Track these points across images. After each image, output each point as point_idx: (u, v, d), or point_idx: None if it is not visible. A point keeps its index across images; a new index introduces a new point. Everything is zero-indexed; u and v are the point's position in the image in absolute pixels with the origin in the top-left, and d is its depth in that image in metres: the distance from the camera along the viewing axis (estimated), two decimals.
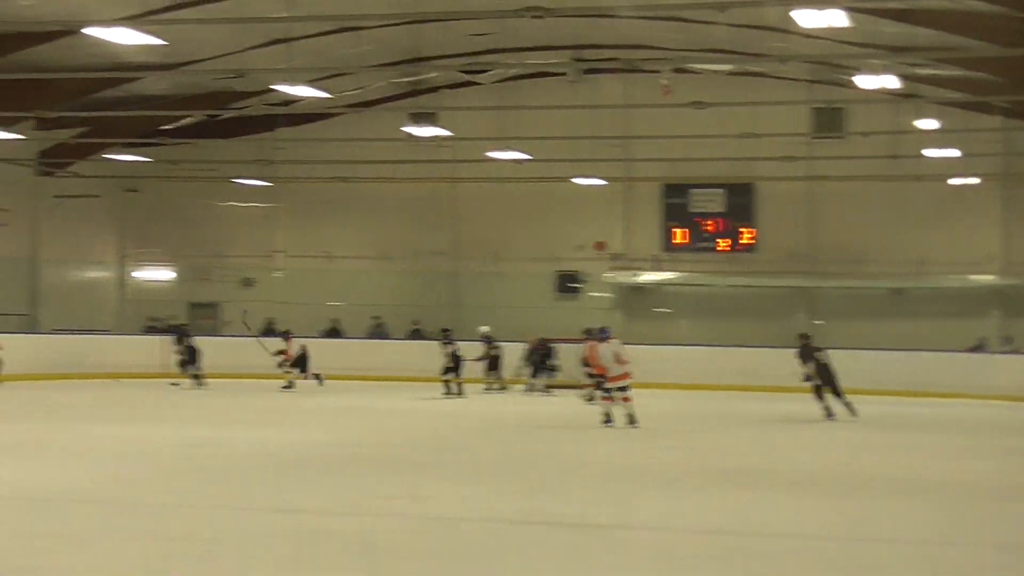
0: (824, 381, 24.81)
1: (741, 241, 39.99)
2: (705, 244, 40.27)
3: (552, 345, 32.81)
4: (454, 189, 41.41)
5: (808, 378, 25.05)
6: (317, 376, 31.90)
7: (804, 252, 39.43)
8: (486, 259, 41.59)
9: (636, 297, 41.04)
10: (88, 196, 41.02)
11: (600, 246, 41.04)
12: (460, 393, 29.49)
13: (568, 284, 41.31)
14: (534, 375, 32.28)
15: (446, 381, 29.80)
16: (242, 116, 38.33)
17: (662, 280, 40.50)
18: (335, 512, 12.35)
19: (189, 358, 32.39)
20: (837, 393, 24.83)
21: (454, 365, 29.94)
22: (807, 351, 25.14)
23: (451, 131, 35.23)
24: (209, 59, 33.43)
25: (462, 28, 32.70)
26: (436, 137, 34.92)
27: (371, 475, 15.11)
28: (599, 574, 9.68)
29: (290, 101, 35.41)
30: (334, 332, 40.36)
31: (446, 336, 30.49)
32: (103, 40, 23.62)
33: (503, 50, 34.86)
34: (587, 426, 22.68)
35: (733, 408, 28.16)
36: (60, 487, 13.68)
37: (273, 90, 32.10)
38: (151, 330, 39.85)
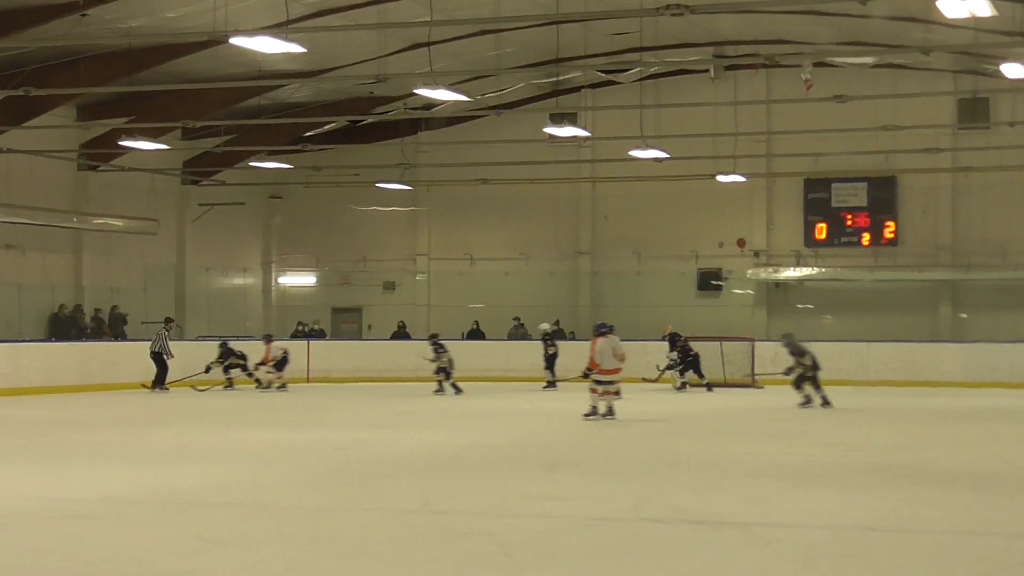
0: (810, 373, 26.27)
1: (884, 235, 39.46)
2: (847, 239, 39.83)
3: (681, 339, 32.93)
4: (595, 189, 41.40)
5: (790, 371, 26.61)
6: (283, 385, 32.34)
7: (947, 245, 38.88)
8: (627, 258, 41.51)
9: (778, 294, 40.69)
10: (233, 204, 41.60)
11: (742, 243, 40.78)
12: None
13: (710, 282, 41.07)
14: (682, 372, 32.17)
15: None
16: (384, 121, 38.60)
17: (804, 276, 40.10)
18: (477, 513, 12.37)
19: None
20: (817, 385, 26.15)
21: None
22: (798, 347, 26.62)
23: (592, 131, 35.21)
24: (350, 65, 33.74)
25: (603, 28, 32.69)
26: (577, 137, 34.89)
27: (513, 475, 15.11)
28: (741, 572, 9.61)
29: (431, 105, 35.62)
30: (476, 334, 40.50)
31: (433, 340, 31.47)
32: (247, 49, 23.95)
33: (643, 48, 34.72)
34: (726, 423, 22.55)
35: (877, 403, 27.82)
36: (206, 491, 13.85)
37: (414, 94, 32.32)
38: (298, 335, 40.31)
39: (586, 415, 22.88)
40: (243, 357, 32.51)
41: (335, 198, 42.10)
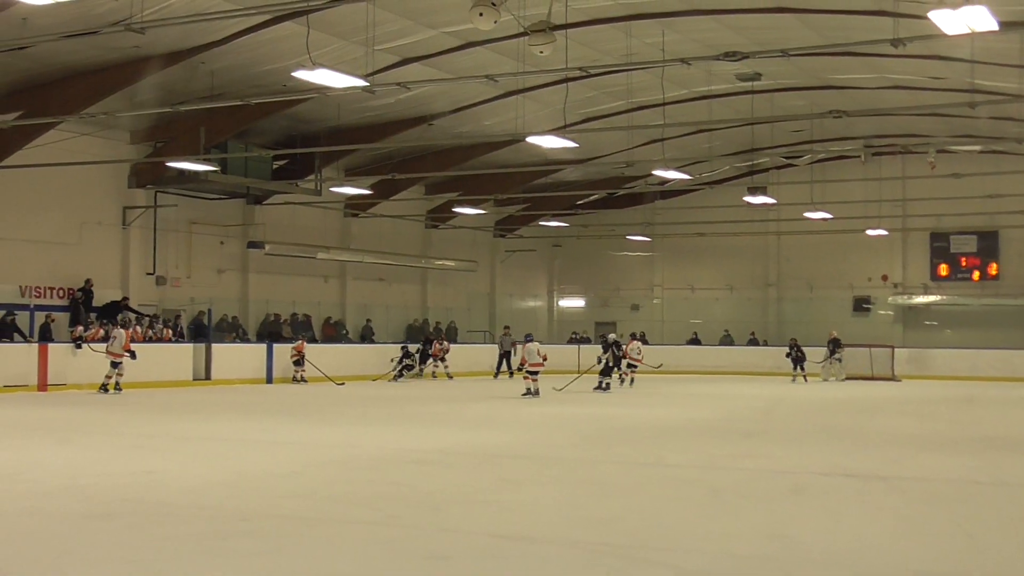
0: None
1: (989, 272, 37.90)
2: (962, 275, 38.32)
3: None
4: (779, 239, 40.62)
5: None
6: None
7: None
8: (802, 288, 40.63)
9: (912, 314, 39.25)
10: (528, 251, 42.05)
11: (885, 278, 39.51)
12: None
13: (862, 305, 39.89)
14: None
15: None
16: (631, 192, 38.59)
17: (931, 301, 38.65)
18: (694, 466, 12.23)
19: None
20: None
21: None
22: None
23: (777, 199, 34.56)
24: (608, 154, 33.84)
25: (785, 127, 32.13)
26: (766, 203, 34.30)
27: (722, 440, 14.91)
28: (883, 511, 9.29)
29: (664, 181, 35.50)
30: (695, 341, 40.07)
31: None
32: (537, 145, 24.23)
33: (814, 141, 33.99)
34: (873, 405, 21.84)
35: (986, 393, 26.57)
36: (506, 446, 13.97)
37: (652, 174, 32.19)
38: (572, 340, 40.46)
39: (523, 394, 23.36)
40: (411, 356, 31.04)
41: (598, 246, 42.22)
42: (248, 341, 30.25)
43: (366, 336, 34.82)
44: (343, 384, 27.99)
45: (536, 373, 23.86)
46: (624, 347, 27.85)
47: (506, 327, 35.30)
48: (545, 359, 24.20)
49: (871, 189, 35.27)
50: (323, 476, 10.96)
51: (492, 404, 21.80)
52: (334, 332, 33.69)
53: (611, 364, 27.10)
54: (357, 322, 35.17)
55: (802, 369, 31.41)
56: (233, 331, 30.02)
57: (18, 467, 11.37)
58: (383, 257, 34.92)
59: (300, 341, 29.09)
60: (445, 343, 32.92)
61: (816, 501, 9.82)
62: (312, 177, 29.92)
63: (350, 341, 33.55)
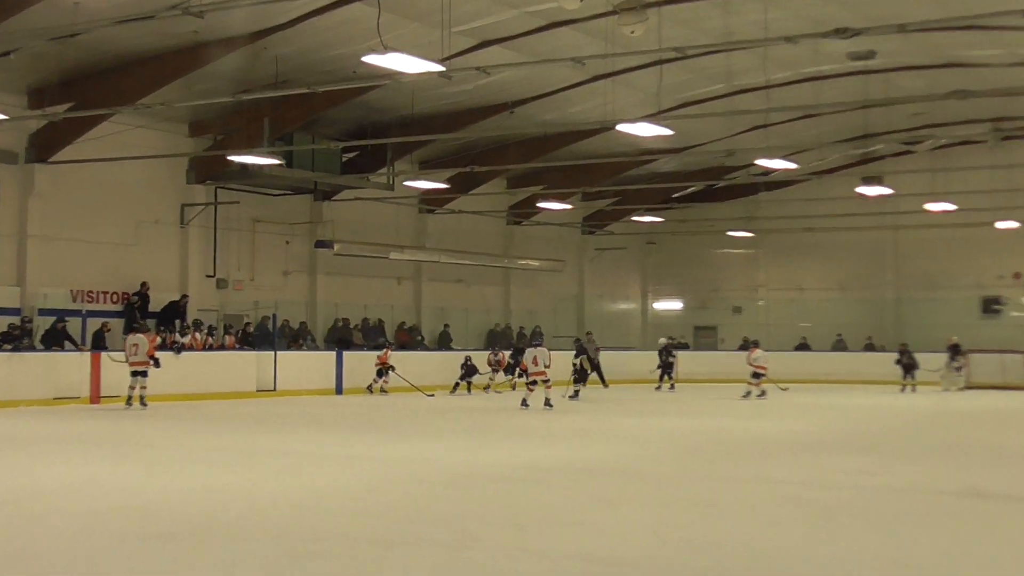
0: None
1: None
2: None
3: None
4: (896, 234, 39.97)
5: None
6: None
7: None
8: (923, 287, 39.96)
9: None
10: (619, 248, 41.93)
11: (1017, 276, 38.67)
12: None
13: (991, 306, 39.10)
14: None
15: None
16: (731, 184, 38.30)
17: None
18: (807, 483, 12.08)
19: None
20: None
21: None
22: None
23: (894, 189, 34.00)
24: (707, 143, 33.61)
25: (902, 110, 31.66)
26: (882, 195, 33.77)
27: (836, 455, 14.72)
28: (1018, 538, 9.07)
29: (768, 172, 35.13)
30: (803, 346, 39.64)
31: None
32: (629, 133, 24.13)
33: (935, 125, 33.44)
34: (1005, 417, 21.39)
35: None
36: (597, 461, 13.94)
37: (755, 164, 31.92)
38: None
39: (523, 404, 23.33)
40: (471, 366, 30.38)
41: (695, 243, 41.94)
42: (316, 348, 30.54)
43: (443, 342, 34.98)
44: (433, 395, 28.13)
45: (544, 382, 23.28)
46: (748, 354, 28.31)
47: (588, 332, 35.27)
48: (547, 367, 23.49)
49: (1000, 177, 34.45)
50: (400, 494, 11.03)
51: (580, 416, 21.76)
52: (408, 338, 33.89)
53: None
54: (434, 327, 35.33)
55: (912, 377, 30.83)
56: (300, 338, 30.34)
57: (72, 484, 11.59)
58: (461, 257, 35.04)
59: (385, 350, 29.25)
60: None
61: (944, 525, 9.63)
62: (384, 171, 30.10)
63: (426, 348, 33.72)
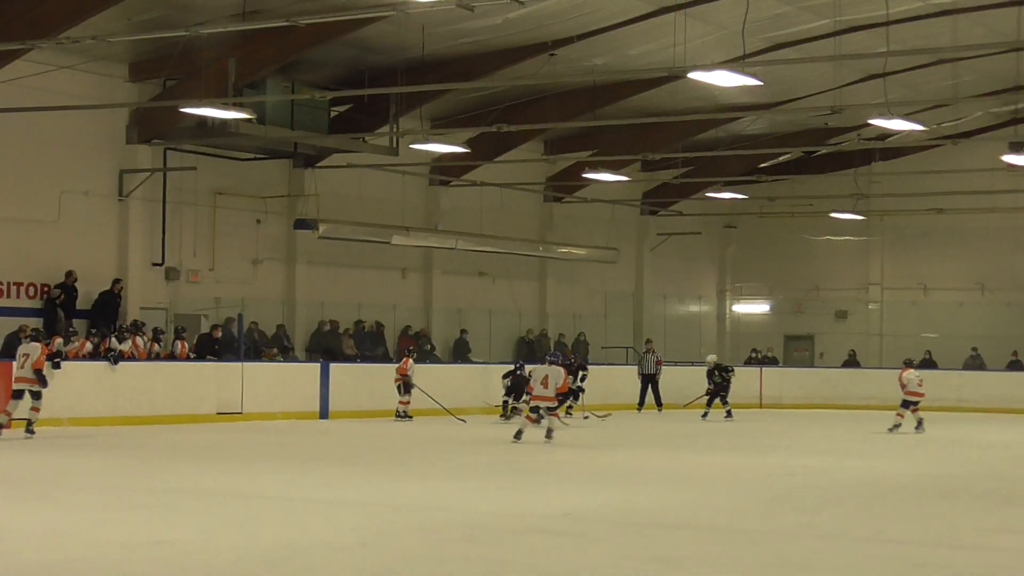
0: None
1: None
2: None
3: None
4: None
5: None
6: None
7: None
8: None
9: None
10: (690, 233, 41.88)
11: None
12: None
13: None
14: None
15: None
16: (838, 151, 38.17)
17: None
18: (930, 543, 12.03)
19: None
20: None
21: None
22: None
23: None
24: (806, 97, 33.52)
25: None
26: None
27: (966, 507, 14.66)
28: None
29: (886, 135, 34.97)
30: (928, 363, 39.43)
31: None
32: (704, 84, 24.06)
33: None
34: None
35: None
36: (661, 511, 13.93)
37: (869, 124, 31.80)
38: (751, 361, 40.22)
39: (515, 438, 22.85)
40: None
41: (789, 228, 41.85)
42: (295, 360, 30.63)
43: (460, 353, 35.03)
44: (465, 421, 28.15)
45: (550, 410, 22.95)
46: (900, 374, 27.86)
47: (648, 341, 35.26)
48: (561, 392, 23.24)
49: None
50: (401, 550, 11.02)
51: (637, 450, 21.75)
52: (415, 346, 33.92)
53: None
54: (448, 334, 35.36)
55: None
56: (274, 346, 30.43)
57: None
58: (484, 242, 35.04)
59: (405, 359, 29.23)
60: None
61: None
62: (385, 130, 30.15)
63: (437, 359, 33.79)
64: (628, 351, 39.35)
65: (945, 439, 25.86)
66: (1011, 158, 32.43)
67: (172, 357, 27.68)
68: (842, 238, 42.53)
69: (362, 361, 31.61)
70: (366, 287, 33.61)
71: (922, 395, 27.34)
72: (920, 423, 27.00)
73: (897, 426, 27.12)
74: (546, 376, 22.80)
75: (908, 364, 28.49)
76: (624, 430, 26.71)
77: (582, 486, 16.26)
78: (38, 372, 22.33)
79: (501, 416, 29.25)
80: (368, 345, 32.65)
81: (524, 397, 25.78)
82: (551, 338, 37.46)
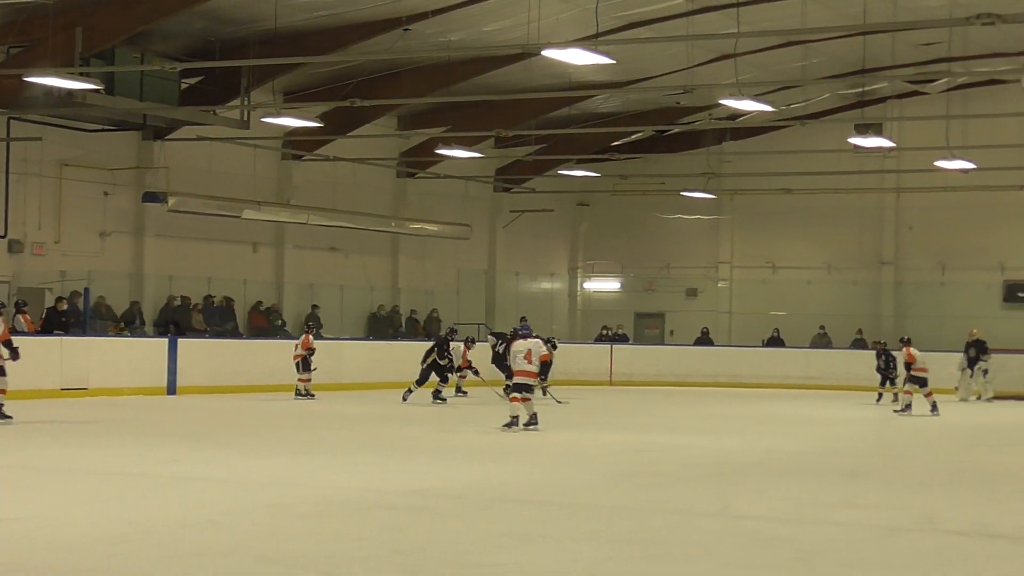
0: None
1: None
2: None
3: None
4: (899, 199, 40.61)
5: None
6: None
7: None
8: (931, 268, 40.61)
9: None
10: (543, 210, 42.07)
11: None
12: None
13: (1016, 294, 39.84)
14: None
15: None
16: (689, 131, 38.54)
17: None
18: (775, 518, 12.22)
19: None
20: None
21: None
22: None
23: (897, 141, 34.45)
24: (658, 76, 33.75)
25: (911, 38, 32.03)
26: (882, 148, 34.19)
27: (811, 482, 14.93)
28: None
29: (736, 115, 35.39)
30: (776, 341, 40.09)
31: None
32: (558, 61, 24.15)
33: (952, 59, 33.85)
34: (1021, 435, 21.90)
35: None
36: (512, 487, 14.02)
37: (720, 105, 32.16)
38: (601, 338, 40.53)
39: (504, 425, 20.78)
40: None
41: (640, 206, 42.21)
42: (143, 335, 30.29)
43: (312, 329, 34.84)
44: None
45: (527, 389, 21.07)
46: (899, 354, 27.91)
47: (523, 318, 35.37)
48: (544, 361, 21.93)
49: None
50: (251, 527, 10.98)
51: (487, 428, 21.80)
52: (266, 322, 33.70)
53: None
54: (300, 309, 35.20)
55: (892, 384, 30.41)
56: (122, 320, 30.07)
57: None
58: (337, 217, 34.94)
59: (306, 335, 28.89)
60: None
61: (945, 571, 9.82)
62: (237, 103, 29.89)
63: (288, 335, 33.58)
64: (480, 327, 39.42)
65: (791, 416, 26.27)
66: (857, 140, 33.01)
67: (14, 332, 27.17)
68: (693, 217, 43.00)
69: (211, 336, 31.35)
70: (216, 261, 33.32)
71: (927, 371, 27.14)
72: (935, 406, 26.61)
73: (908, 406, 26.94)
74: (528, 351, 20.90)
75: (906, 342, 27.92)
76: (475, 408, 26.75)
77: (433, 462, 16.28)
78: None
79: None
80: (218, 320, 32.39)
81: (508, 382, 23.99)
82: (403, 314, 37.47)
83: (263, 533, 10.67)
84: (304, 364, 28.26)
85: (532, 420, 20.82)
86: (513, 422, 20.63)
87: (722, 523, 11.89)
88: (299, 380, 28.21)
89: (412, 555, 9.84)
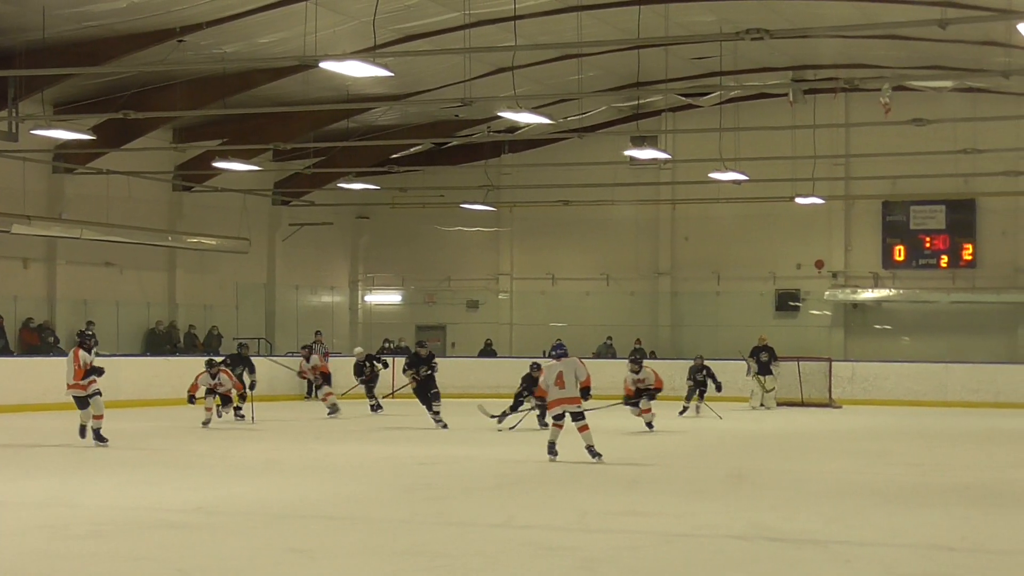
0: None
1: (962, 257, 38.98)
2: (925, 261, 39.39)
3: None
4: (675, 210, 41.36)
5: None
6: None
7: None
8: (707, 279, 41.41)
9: (856, 315, 40.45)
10: (322, 224, 41.92)
11: (820, 264, 40.54)
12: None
13: (788, 302, 40.86)
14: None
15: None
16: (468, 143, 38.74)
17: (882, 297, 39.85)
18: (560, 528, 12.33)
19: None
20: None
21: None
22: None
23: (672, 153, 35.07)
24: (436, 88, 33.83)
25: (683, 52, 32.60)
26: (657, 160, 34.77)
27: (594, 491, 15.08)
28: None
29: (514, 128, 35.68)
30: (610, 350, 40.20)
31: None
32: (336, 73, 24.09)
33: (723, 73, 34.61)
34: (804, 442, 22.40)
35: (957, 424, 27.46)
36: (295, 503, 13.94)
37: (498, 117, 32.38)
38: (384, 351, 40.43)
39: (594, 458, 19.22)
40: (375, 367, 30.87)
41: (420, 218, 42.29)
42: None
43: (87, 346, 34.11)
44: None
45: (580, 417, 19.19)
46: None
47: (317, 332, 35.09)
48: (584, 387, 19.43)
49: (802, 140, 36.01)
50: (24, 549, 10.76)
51: (269, 443, 21.65)
52: (38, 340, 32.96)
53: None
54: (73, 325, 34.45)
55: (701, 397, 30.51)
56: None
57: None
58: (111, 232, 34.30)
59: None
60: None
61: (728, 574, 9.99)
62: (4, 114, 29.20)
63: (62, 352, 32.82)
64: (260, 342, 39.04)
65: (570, 427, 26.40)
66: (633, 152, 33.57)
67: None
68: (473, 229, 43.22)
69: None
70: None
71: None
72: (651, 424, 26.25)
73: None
74: (559, 373, 18.96)
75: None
76: (257, 423, 26.47)
77: (215, 478, 16.13)
78: None
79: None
80: None
81: (527, 404, 24.27)
82: (181, 329, 36.96)
83: (37, 555, 10.47)
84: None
85: (592, 450, 18.75)
86: (554, 449, 18.93)
87: (507, 533, 11.96)
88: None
89: (194, 574, 9.73)
